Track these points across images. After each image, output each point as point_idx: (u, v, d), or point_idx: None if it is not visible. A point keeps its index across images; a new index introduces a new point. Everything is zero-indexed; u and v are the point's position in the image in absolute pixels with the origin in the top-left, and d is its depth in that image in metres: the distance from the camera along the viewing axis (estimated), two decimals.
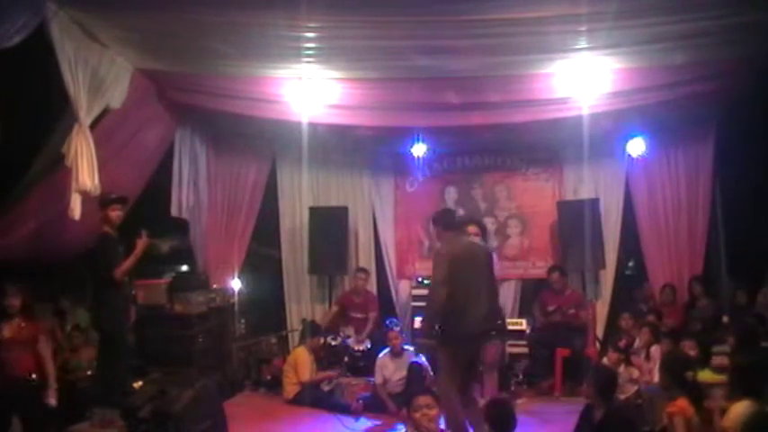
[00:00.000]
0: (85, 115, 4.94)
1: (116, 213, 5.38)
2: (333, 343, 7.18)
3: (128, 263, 5.34)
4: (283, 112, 6.51)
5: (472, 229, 5.44)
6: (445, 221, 5.03)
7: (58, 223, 5.34)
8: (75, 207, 4.91)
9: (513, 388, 6.68)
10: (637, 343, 6.22)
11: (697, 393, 4.13)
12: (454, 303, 4.64)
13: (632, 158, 7.66)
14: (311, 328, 7.12)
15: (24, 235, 5.53)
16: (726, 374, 5.28)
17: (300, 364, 6.60)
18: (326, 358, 7.03)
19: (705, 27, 4.82)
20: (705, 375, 5.20)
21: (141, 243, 5.40)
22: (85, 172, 4.87)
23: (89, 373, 5.86)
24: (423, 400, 3.75)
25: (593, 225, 7.46)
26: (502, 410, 3.92)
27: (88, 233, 5.42)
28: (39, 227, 5.52)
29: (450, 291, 4.62)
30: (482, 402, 5.10)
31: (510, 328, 6.98)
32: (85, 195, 4.96)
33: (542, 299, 7.42)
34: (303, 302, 8.40)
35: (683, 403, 3.93)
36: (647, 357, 6.00)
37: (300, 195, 8.36)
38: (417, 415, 3.68)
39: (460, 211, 8.36)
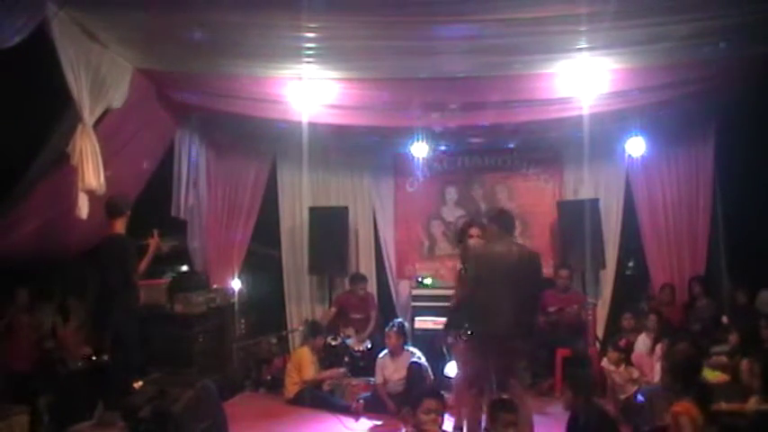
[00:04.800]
0: (89, 115, 4.95)
1: (127, 215, 5.43)
2: (333, 343, 7.18)
3: (144, 263, 5.42)
4: (283, 112, 6.51)
5: (474, 231, 5.44)
6: (501, 222, 5.06)
7: (61, 222, 5.35)
8: (83, 206, 4.92)
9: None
10: (638, 342, 6.22)
11: (705, 394, 4.13)
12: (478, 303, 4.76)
13: (632, 158, 7.66)
14: (313, 329, 7.12)
15: (27, 234, 5.53)
16: (726, 374, 5.30)
17: (304, 363, 6.61)
18: (327, 358, 7.03)
19: (705, 27, 4.81)
20: (707, 375, 5.20)
21: (154, 242, 5.46)
22: (91, 171, 4.88)
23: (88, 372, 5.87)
24: (433, 403, 3.78)
25: (593, 225, 7.46)
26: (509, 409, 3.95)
27: (92, 232, 5.43)
28: (41, 226, 5.53)
29: (475, 291, 4.73)
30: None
31: None
32: (91, 195, 4.98)
33: (545, 299, 7.39)
34: (303, 302, 8.41)
35: (688, 403, 3.92)
36: (648, 357, 6.00)
37: (300, 195, 8.36)
38: (425, 417, 3.70)
39: (460, 212, 8.39)
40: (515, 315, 4.68)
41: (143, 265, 5.44)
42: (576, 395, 4.09)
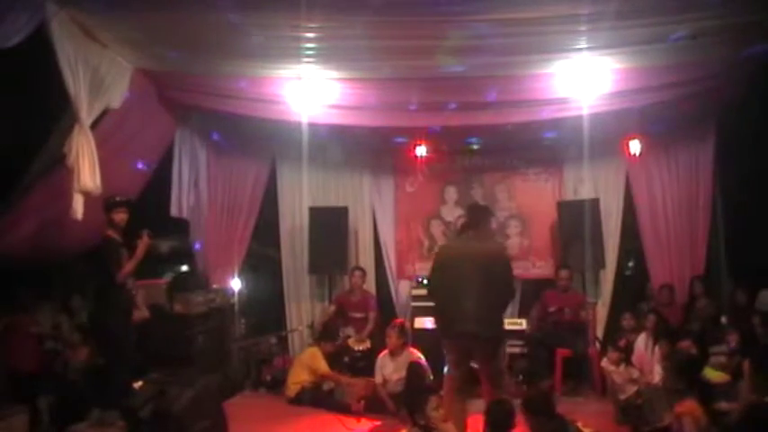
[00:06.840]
0: (86, 115, 4.94)
1: (120, 216, 5.38)
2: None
3: (129, 265, 5.34)
4: (283, 113, 6.51)
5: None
6: (469, 217, 5.05)
7: (59, 223, 5.34)
8: (78, 207, 4.90)
9: (512, 388, 6.67)
10: (638, 342, 6.22)
11: (707, 394, 4.12)
12: (439, 301, 4.81)
13: (632, 158, 7.66)
14: (327, 334, 7.08)
15: (26, 235, 5.53)
16: (726, 374, 5.29)
17: (318, 360, 6.61)
18: (327, 358, 7.02)
19: (705, 27, 4.82)
20: (708, 374, 5.20)
21: (142, 244, 5.39)
22: (87, 172, 4.85)
23: (88, 372, 5.87)
24: (439, 400, 3.85)
25: (593, 225, 7.46)
26: (501, 410, 3.92)
27: (90, 232, 5.42)
28: (40, 226, 5.53)
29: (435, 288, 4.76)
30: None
31: (510, 328, 6.97)
32: (87, 195, 4.96)
33: (545, 299, 7.40)
34: (303, 302, 8.40)
35: (691, 403, 3.91)
36: (648, 357, 6.00)
37: (300, 195, 8.35)
38: (436, 414, 3.77)
39: (460, 211, 8.39)
40: (475, 312, 4.61)
41: (130, 266, 5.32)
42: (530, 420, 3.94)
